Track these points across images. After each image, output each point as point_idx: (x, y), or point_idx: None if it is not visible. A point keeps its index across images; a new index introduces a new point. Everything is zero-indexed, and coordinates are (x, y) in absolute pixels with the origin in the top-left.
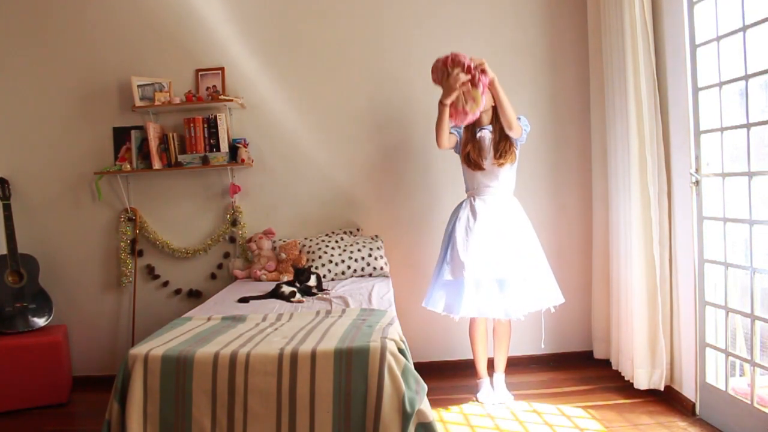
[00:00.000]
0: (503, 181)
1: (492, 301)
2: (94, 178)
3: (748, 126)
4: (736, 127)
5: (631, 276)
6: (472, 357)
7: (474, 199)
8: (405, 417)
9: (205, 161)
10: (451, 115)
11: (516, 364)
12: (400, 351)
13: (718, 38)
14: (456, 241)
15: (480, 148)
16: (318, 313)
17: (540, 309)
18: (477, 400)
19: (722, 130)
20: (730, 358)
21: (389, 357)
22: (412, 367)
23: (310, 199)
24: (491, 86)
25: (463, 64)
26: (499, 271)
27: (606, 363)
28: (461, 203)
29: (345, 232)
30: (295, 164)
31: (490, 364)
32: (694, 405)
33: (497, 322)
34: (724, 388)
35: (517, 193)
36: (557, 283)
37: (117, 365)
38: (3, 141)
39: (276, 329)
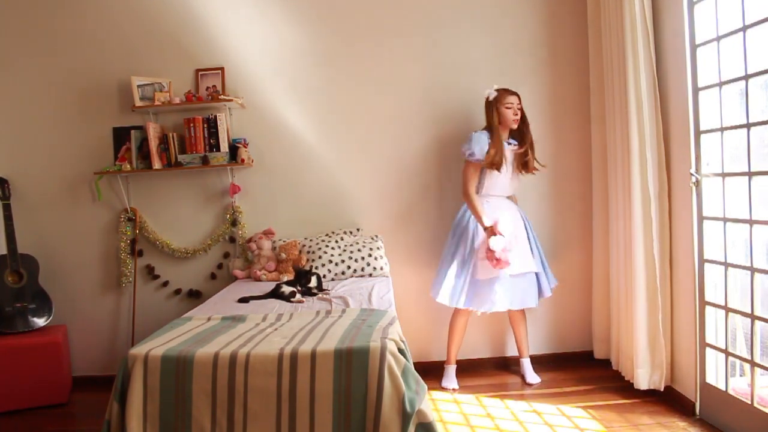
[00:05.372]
0: (516, 187)
1: (511, 295)
2: (94, 178)
3: (748, 126)
4: (736, 127)
5: (631, 276)
6: (471, 357)
7: (487, 202)
8: (405, 417)
9: (205, 161)
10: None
11: (517, 364)
12: (400, 351)
13: (718, 38)
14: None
15: (503, 155)
16: (318, 313)
17: (547, 295)
18: (443, 388)
19: (722, 130)
20: (730, 358)
21: (389, 357)
22: (412, 367)
23: (310, 199)
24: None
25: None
26: (522, 267)
27: (606, 363)
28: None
29: (345, 232)
30: (295, 164)
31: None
32: (694, 405)
33: (511, 311)
34: (724, 388)
35: (517, 193)
36: (554, 275)
37: (117, 365)
38: (3, 141)
39: (276, 329)
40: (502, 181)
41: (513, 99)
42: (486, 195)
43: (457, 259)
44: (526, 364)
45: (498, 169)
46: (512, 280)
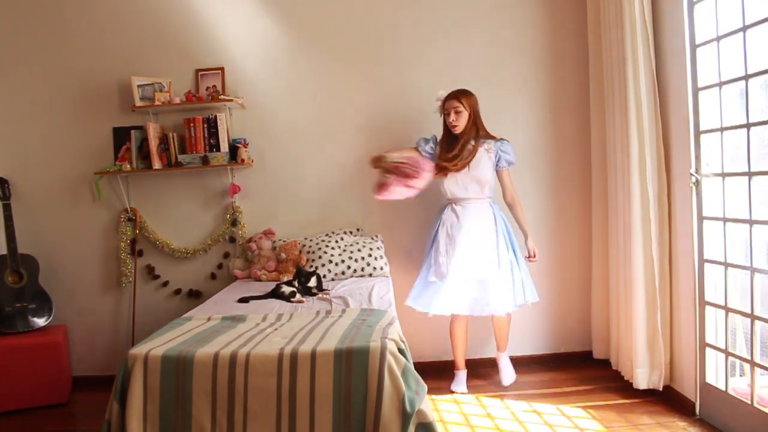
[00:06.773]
0: (480, 189)
1: (470, 300)
2: (94, 178)
3: (748, 126)
4: (736, 127)
5: (630, 276)
6: (470, 357)
7: (455, 205)
8: (405, 417)
9: (205, 161)
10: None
11: (516, 364)
12: (400, 351)
13: (718, 38)
14: (439, 244)
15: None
16: (318, 313)
17: (515, 308)
18: (452, 391)
19: (722, 130)
20: (730, 358)
21: (389, 357)
22: (412, 367)
23: (310, 199)
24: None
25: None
26: (476, 273)
27: (606, 363)
28: (443, 208)
29: (345, 232)
30: (295, 164)
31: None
32: (694, 405)
33: (494, 316)
34: (724, 388)
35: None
36: (543, 282)
37: (117, 365)
38: (3, 141)
39: (276, 329)
40: (459, 183)
41: (447, 104)
42: (453, 199)
43: (425, 263)
44: (502, 359)
45: (439, 175)
46: (461, 285)
